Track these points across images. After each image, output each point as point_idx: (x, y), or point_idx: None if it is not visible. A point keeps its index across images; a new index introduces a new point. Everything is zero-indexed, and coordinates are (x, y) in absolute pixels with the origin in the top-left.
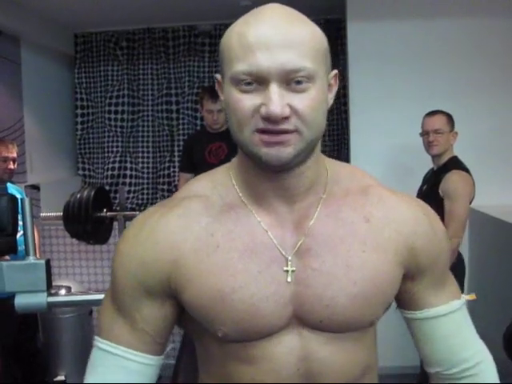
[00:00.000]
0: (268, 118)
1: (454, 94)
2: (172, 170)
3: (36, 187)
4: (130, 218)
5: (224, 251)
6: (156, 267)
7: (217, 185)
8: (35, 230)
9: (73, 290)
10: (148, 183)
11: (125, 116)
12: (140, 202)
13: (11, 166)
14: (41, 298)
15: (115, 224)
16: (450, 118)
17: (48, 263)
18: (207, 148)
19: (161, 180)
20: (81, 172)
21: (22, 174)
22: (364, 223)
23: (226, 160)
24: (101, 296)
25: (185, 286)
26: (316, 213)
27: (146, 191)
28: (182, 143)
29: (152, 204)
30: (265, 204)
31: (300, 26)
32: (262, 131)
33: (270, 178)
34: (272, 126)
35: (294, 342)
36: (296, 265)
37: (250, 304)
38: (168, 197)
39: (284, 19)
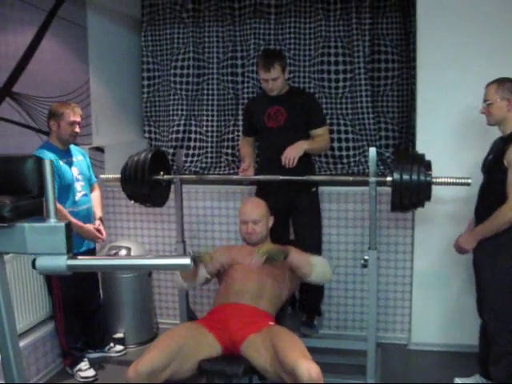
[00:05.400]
0: None
1: None
2: (236, 133)
3: (100, 149)
4: (187, 182)
5: None
6: None
7: None
8: (98, 190)
9: (132, 251)
10: (212, 146)
11: (190, 79)
12: (204, 165)
13: (77, 129)
14: (61, 261)
15: (173, 187)
16: (500, 85)
17: (68, 226)
18: (266, 112)
19: (225, 144)
20: (147, 135)
21: (87, 136)
22: None
23: (285, 125)
24: (122, 261)
25: None
26: None
27: (210, 154)
28: None
29: (216, 168)
30: None
31: None
32: None
33: None
34: None
35: None
36: None
37: None
38: (232, 161)
39: None
